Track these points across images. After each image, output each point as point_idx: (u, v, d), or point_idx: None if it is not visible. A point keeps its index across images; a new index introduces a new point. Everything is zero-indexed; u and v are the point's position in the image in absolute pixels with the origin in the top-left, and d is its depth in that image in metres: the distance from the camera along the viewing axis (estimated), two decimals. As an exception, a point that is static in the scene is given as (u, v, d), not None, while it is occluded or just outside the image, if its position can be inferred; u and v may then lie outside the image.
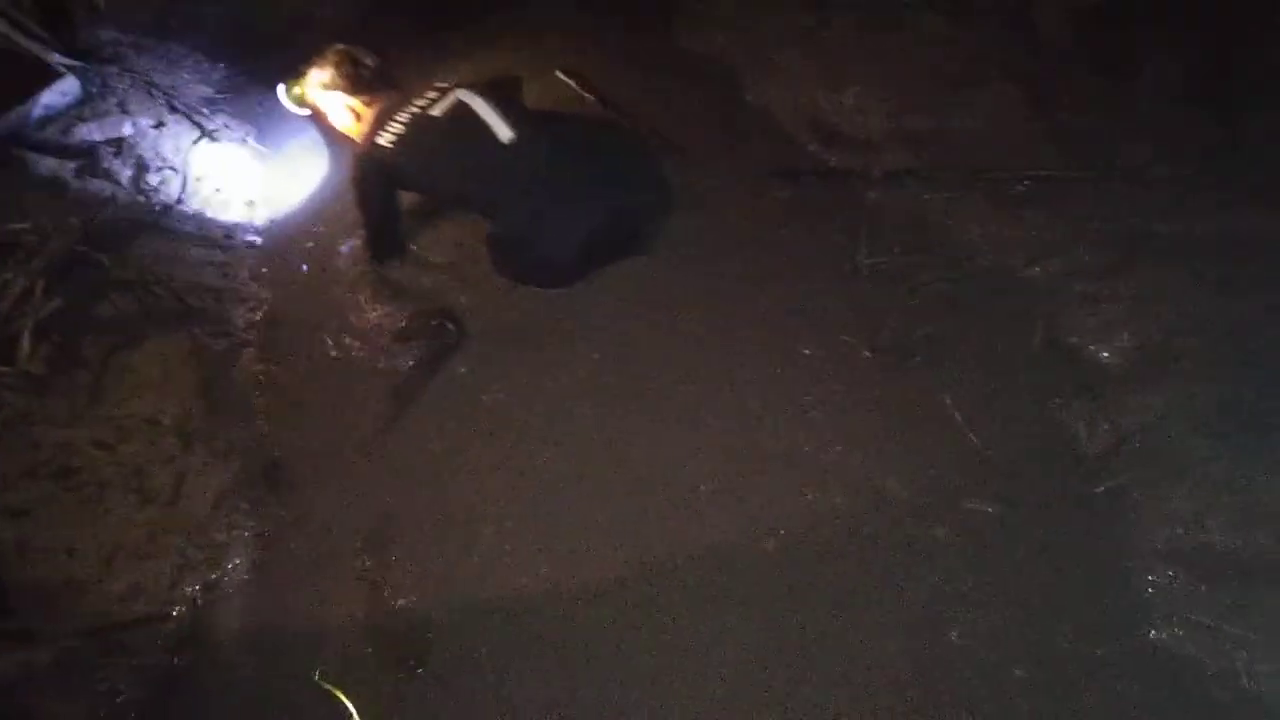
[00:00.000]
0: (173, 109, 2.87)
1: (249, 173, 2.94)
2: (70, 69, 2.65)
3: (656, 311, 2.41)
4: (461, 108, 2.43)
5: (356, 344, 2.50)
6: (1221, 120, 2.37)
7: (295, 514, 2.19)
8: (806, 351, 2.27)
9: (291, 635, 1.99)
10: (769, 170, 2.69)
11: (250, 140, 3.05)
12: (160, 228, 2.56)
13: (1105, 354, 2.10)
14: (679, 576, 1.92)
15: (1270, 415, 1.85)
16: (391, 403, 2.35)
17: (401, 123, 2.41)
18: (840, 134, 2.72)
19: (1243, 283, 2.07)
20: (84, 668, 1.92)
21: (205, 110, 2.98)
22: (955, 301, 2.30)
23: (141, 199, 2.58)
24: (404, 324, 2.48)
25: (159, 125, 2.81)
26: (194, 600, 2.06)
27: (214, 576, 2.09)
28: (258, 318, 2.56)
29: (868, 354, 2.23)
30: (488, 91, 2.51)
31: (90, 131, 2.64)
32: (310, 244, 2.77)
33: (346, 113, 2.64)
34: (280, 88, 2.72)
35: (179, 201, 2.67)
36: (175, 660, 1.97)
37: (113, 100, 2.74)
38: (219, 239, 2.67)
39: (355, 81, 2.60)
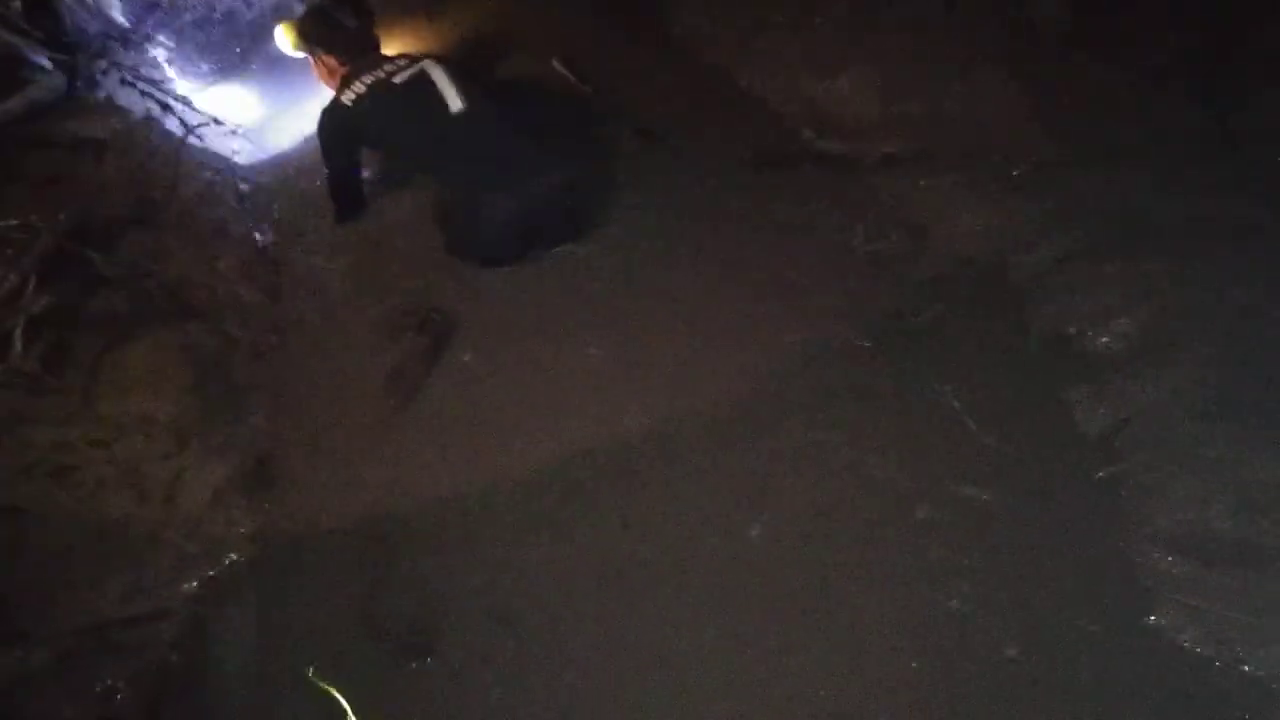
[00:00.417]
0: (161, 102, 2.84)
1: (239, 164, 2.92)
2: (56, 63, 2.61)
3: (649, 295, 2.42)
4: (422, 76, 2.50)
5: (352, 337, 2.50)
6: (1217, 105, 2.36)
7: (293, 509, 2.18)
8: (802, 337, 2.27)
9: (291, 631, 1.99)
10: (763, 156, 2.68)
11: (240, 131, 3.02)
12: (150, 223, 2.53)
13: (1104, 339, 2.09)
14: (675, 564, 1.93)
15: (1269, 400, 1.85)
16: (387, 396, 2.35)
17: (366, 84, 2.48)
18: (834, 119, 2.71)
19: (1240, 268, 2.06)
20: (81, 667, 1.92)
21: (194, 102, 2.95)
22: (952, 287, 2.30)
23: (131, 194, 2.55)
24: (395, 319, 2.48)
25: (147, 119, 2.78)
26: (192, 598, 2.05)
27: (212, 573, 2.09)
28: (250, 313, 2.54)
29: (866, 343, 2.23)
30: (450, 62, 2.57)
31: (77, 126, 2.61)
32: (304, 238, 2.75)
33: (322, 67, 2.71)
34: (278, 29, 2.77)
35: (169, 195, 2.65)
36: (174, 658, 1.97)
37: (100, 94, 2.71)
38: (209, 234, 2.64)
39: (330, 39, 2.66)
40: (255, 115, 3.06)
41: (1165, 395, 1.94)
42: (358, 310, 2.55)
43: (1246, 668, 1.63)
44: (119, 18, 2.92)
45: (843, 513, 1.95)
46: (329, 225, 2.77)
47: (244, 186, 2.84)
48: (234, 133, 2.98)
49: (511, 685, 1.81)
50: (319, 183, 2.84)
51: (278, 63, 3.16)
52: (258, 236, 2.73)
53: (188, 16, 3.11)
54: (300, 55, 2.78)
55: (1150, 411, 1.94)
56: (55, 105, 2.61)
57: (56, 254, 2.27)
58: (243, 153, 2.95)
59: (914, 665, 1.72)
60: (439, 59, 2.58)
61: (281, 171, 2.93)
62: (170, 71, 2.99)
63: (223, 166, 2.86)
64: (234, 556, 2.11)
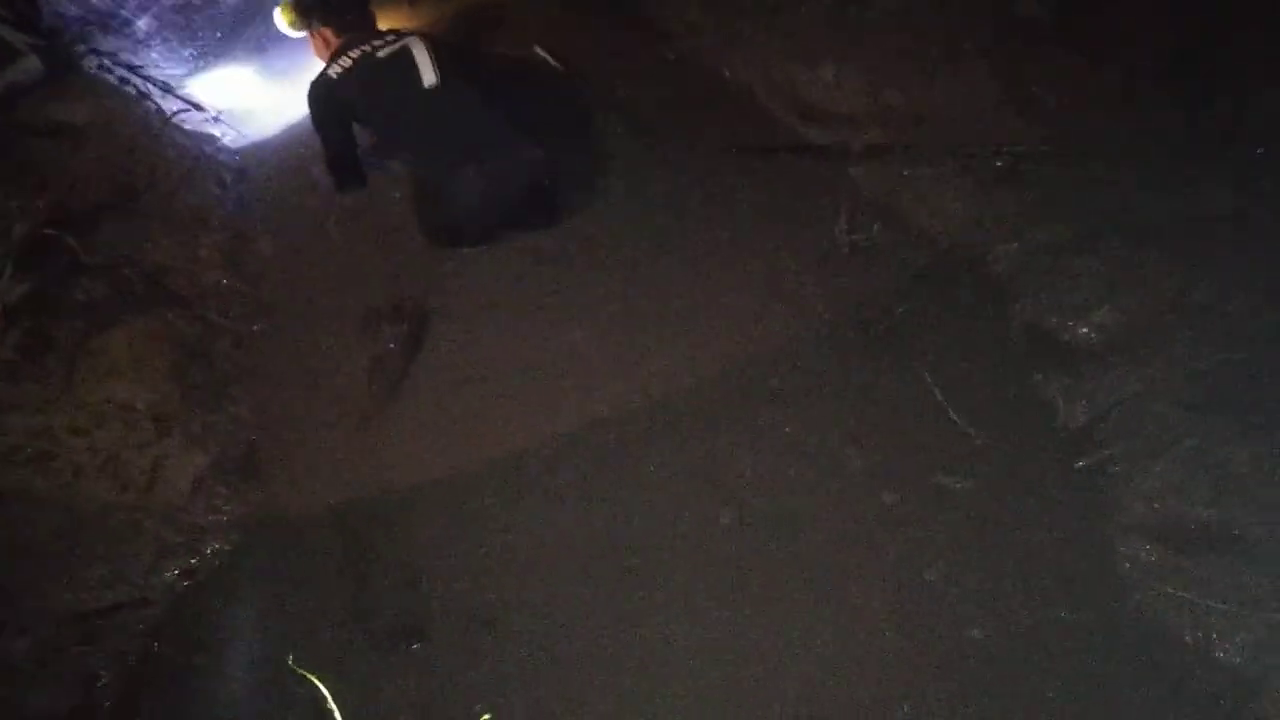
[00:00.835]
0: (141, 88, 2.81)
1: (221, 150, 2.89)
2: (34, 47, 2.57)
3: (629, 282, 2.43)
4: (403, 52, 2.53)
5: (334, 325, 2.49)
6: (1198, 99, 2.36)
7: (275, 498, 2.18)
8: (782, 325, 2.28)
9: (273, 620, 1.99)
10: (746, 145, 2.68)
11: (221, 117, 2.99)
12: (129, 209, 2.51)
13: (1083, 330, 2.11)
14: (654, 548, 1.96)
15: (1244, 390, 1.87)
16: (369, 385, 2.34)
17: (352, 58, 2.52)
18: (818, 110, 2.70)
19: (1218, 261, 2.07)
20: (62, 655, 1.92)
21: (174, 88, 2.92)
22: (934, 278, 2.31)
23: (110, 180, 2.52)
24: (374, 307, 2.49)
25: (127, 104, 2.74)
26: (173, 586, 2.05)
27: (193, 562, 2.08)
28: (232, 300, 2.52)
29: (848, 333, 2.24)
30: (434, 39, 2.60)
31: (56, 111, 2.57)
32: (284, 224, 2.73)
33: (319, 40, 2.74)
34: (276, 10, 2.78)
35: (149, 182, 2.62)
36: (154, 646, 1.97)
37: (78, 80, 2.67)
38: (189, 220, 2.62)
39: (325, 11, 2.70)
40: (237, 101, 3.02)
41: (1144, 386, 1.96)
42: (339, 298, 2.54)
43: (1222, 654, 1.66)
44: (98, 2, 2.88)
45: (816, 500, 1.97)
46: (310, 211, 2.75)
47: (225, 173, 2.81)
48: (215, 119, 2.95)
49: (495, 670, 1.83)
50: (304, 166, 2.83)
51: (260, 48, 3.13)
52: (239, 223, 2.71)
53: (168, 1, 3.07)
54: (297, 34, 2.79)
55: (1129, 402, 1.95)
56: (33, 90, 2.58)
57: (34, 241, 2.26)
58: (224, 139, 2.92)
59: (880, 643, 1.76)
60: (425, 36, 2.61)
61: (263, 157, 2.90)
62: (151, 57, 2.95)
63: (204, 153, 2.82)
64: (216, 545, 2.11)
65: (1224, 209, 2.16)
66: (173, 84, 2.93)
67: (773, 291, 2.35)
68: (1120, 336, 2.06)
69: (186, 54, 3.07)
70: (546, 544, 2.00)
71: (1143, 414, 1.92)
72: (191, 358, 2.33)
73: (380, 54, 2.52)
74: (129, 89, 2.79)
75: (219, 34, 3.13)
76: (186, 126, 2.86)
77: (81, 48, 2.76)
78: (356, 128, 2.64)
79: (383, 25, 2.80)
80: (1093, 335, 2.09)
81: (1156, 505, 1.82)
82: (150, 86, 2.85)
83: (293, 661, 1.83)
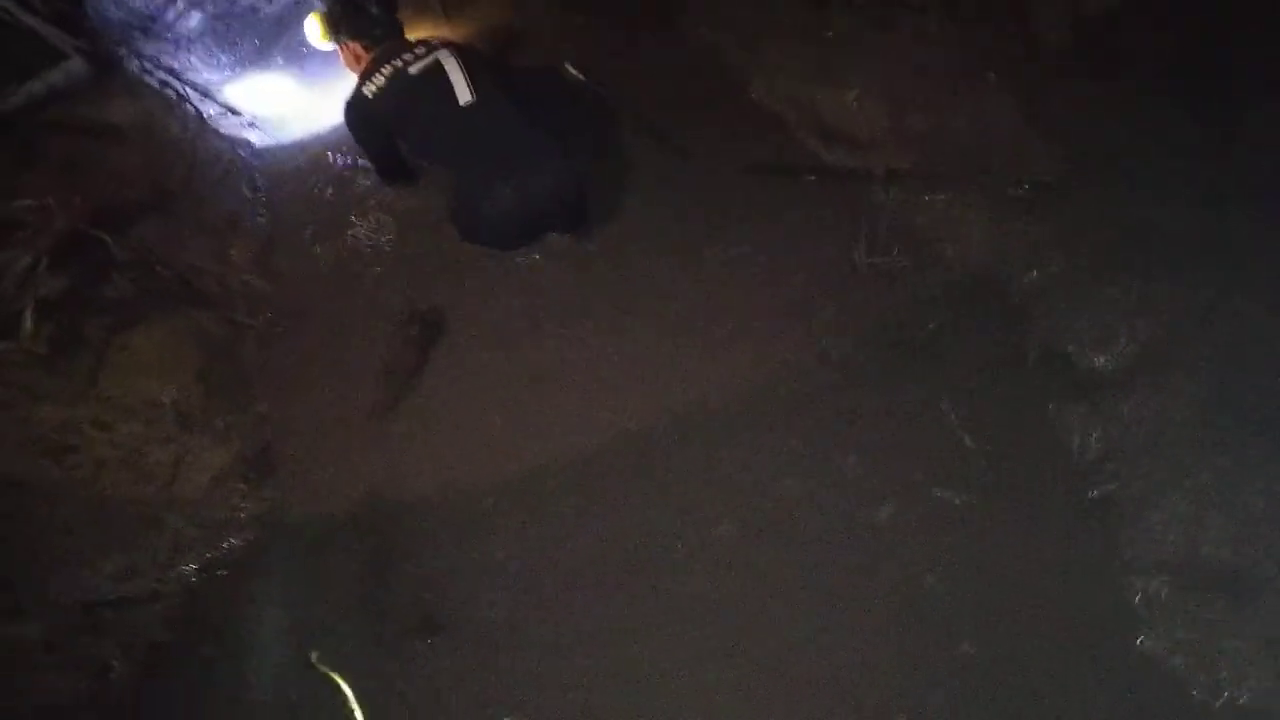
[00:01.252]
0: (179, 92, 2.87)
1: (254, 155, 2.94)
2: (77, 49, 2.64)
3: (646, 295, 2.45)
4: (435, 66, 2.54)
5: (354, 329, 2.52)
6: (1218, 124, 2.37)
7: (293, 496, 2.20)
8: (799, 347, 2.29)
9: (289, 616, 2.01)
10: (767, 166, 2.69)
11: (256, 123, 3.05)
12: (164, 210, 2.56)
13: (1101, 359, 2.10)
14: (671, 555, 1.99)
15: (1259, 427, 1.86)
16: (382, 389, 2.37)
17: (384, 75, 2.54)
18: (840, 133, 2.71)
19: (1235, 288, 2.07)
20: (76, 643, 1.94)
21: (212, 93, 2.98)
22: (953, 304, 2.30)
23: (146, 181, 2.58)
24: (389, 313, 2.53)
25: (165, 107, 2.81)
26: (189, 580, 2.07)
27: (210, 556, 2.10)
28: (259, 302, 2.57)
29: (866, 355, 2.25)
30: (467, 52, 2.61)
31: (96, 112, 2.64)
32: (314, 230, 2.77)
33: (349, 54, 2.76)
34: (308, 19, 2.80)
35: (184, 184, 2.67)
36: (168, 638, 1.99)
37: (119, 82, 2.74)
38: (222, 224, 2.67)
39: (355, 26, 2.71)
40: (272, 108, 3.07)
41: (1160, 418, 1.95)
42: (361, 302, 2.58)
43: (1229, 693, 1.64)
44: (141, 6, 2.95)
45: (823, 519, 1.99)
46: (337, 217, 2.80)
47: (258, 177, 2.86)
48: (251, 124, 3.00)
49: (511, 670, 1.85)
50: (333, 173, 2.87)
51: (297, 57, 3.18)
52: (269, 227, 2.75)
53: (210, 8, 3.13)
54: (328, 46, 2.81)
55: (1145, 433, 1.95)
56: (75, 91, 2.65)
57: (71, 237, 2.30)
58: (258, 144, 2.97)
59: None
60: (455, 48, 2.61)
61: (295, 164, 2.95)
62: (190, 61, 3.01)
63: (238, 157, 2.88)
64: (232, 541, 2.13)
65: (1245, 235, 2.15)
66: (211, 89, 2.98)
67: (789, 311, 2.36)
68: (1136, 367, 2.05)
69: (225, 60, 3.12)
70: (559, 547, 2.02)
71: (1157, 447, 1.91)
72: (217, 357, 2.37)
73: (412, 69, 2.53)
74: (168, 92, 2.85)
75: (257, 41, 3.18)
76: (222, 131, 2.92)
77: (123, 50, 2.82)
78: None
79: (411, 36, 2.81)
80: (1110, 364, 2.08)
81: (1168, 540, 1.81)
82: (189, 90, 2.90)
83: (316, 659, 1.86)
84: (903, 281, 2.37)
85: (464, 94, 2.49)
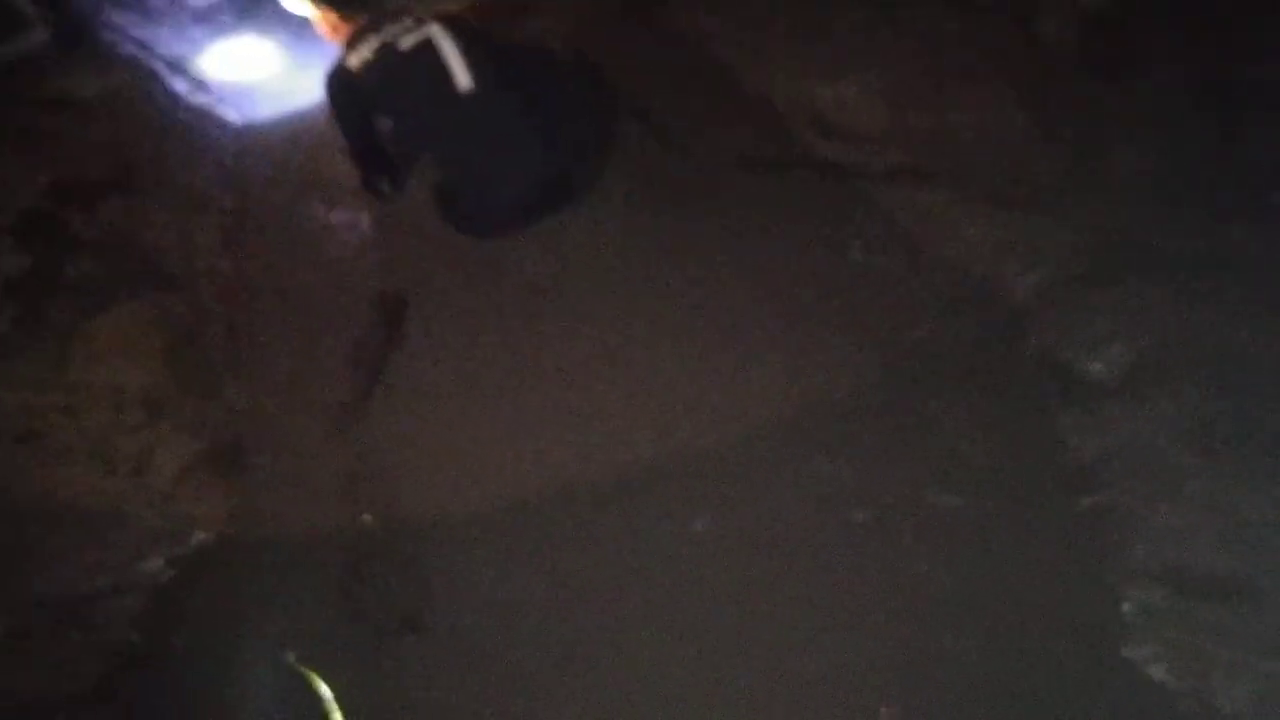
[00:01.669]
0: (149, 65, 2.79)
1: (224, 132, 2.87)
2: (42, 18, 2.55)
3: (635, 295, 2.41)
4: (427, 46, 2.42)
5: (324, 315, 2.48)
6: (1219, 133, 2.35)
7: (264, 488, 2.16)
8: (794, 347, 2.26)
9: (263, 613, 1.97)
10: (766, 160, 2.66)
11: (228, 99, 2.97)
12: (131, 188, 2.48)
13: (1096, 365, 2.08)
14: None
15: (1257, 435, 1.85)
16: (357, 374, 2.34)
17: (371, 49, 2.42)
18: (840, 128, 2.68)
19: (1235, 298, 2.06)
20: (41, 640, 1.90)
21: (183, 67, 2.90)
22: (948, 305, 2.28)
23: (113, 157, 2.50)
24: (357, 300, 2.50)
25: (134, 81, 2.72)
26: (158, 575, 2.02)
27: (179, 551, 2.06)
28: (228, 286, 2.51)
29: (859, 355, 2.22)
30: (461, 30, 2.49)
31: (61, 85, 2.55)
32: (287, 212, 2.71)
33: (326, 23, 2.63)
34: None
35: (152, 161, 2.60)
36: (136, 636, 1.94)
37: (86, 54, 2.65)
38: (188, 201, 2.60)
39: None
40: (244, 84, 3.00)
41: (1156, 426, 1.94)
42: (333, 287, 2.53)
43: (1220, 703, 1.63)
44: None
45: (811, 522, 1.96)
46: (309, 198, 2.73)
47: (227, 156, 2.79)
48: (222, 100, 2.93)
49: (492, 664, 1.83)
50: (307, 153, 2.82)
51: (270, 31, 3.11)
52: (237, 207, 2.68)
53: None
54: (304, 12, 2.70)
55: (1140, 441, 1.93)
56: (40, 62, 2.56)
57: (33, 215, 2.23)
58: (229, 120, 2.90)
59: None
60: (447, 23, 2.49)
61: (268, 142, 2.89)
62: (161, 34, 2.93)
63: (208, 134, 2.81)
64: (202, 535, 2.09)
65: (1244, 247, 2.14)
66: (182, 62, 2.91)
67: (782, 309, 2.33)
68: (1133, 374, 2.04)
69: (196, 33, 3.05)
70: (540, 543, 2.00)
71: (1153, 454, 1.90)
72: (184, 343, 2.31)
73: (402, 45, 2.42)
74: (137, 66, 2.76)
75: (230, 14, 3.12)
76: (192, 106, 2.84)
77: (91, 21, 2.73)
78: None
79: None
80: (1106, 371, 2.07)
81: (1163, 548, 1.79)
82: (158, 64, 2.83)
83: (293, 660, 1.83)
84: (898, 281, 2.35)
85: (463, 80, 2.38)
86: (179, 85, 2.82)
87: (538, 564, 1.97)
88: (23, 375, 2.09)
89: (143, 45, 2.82)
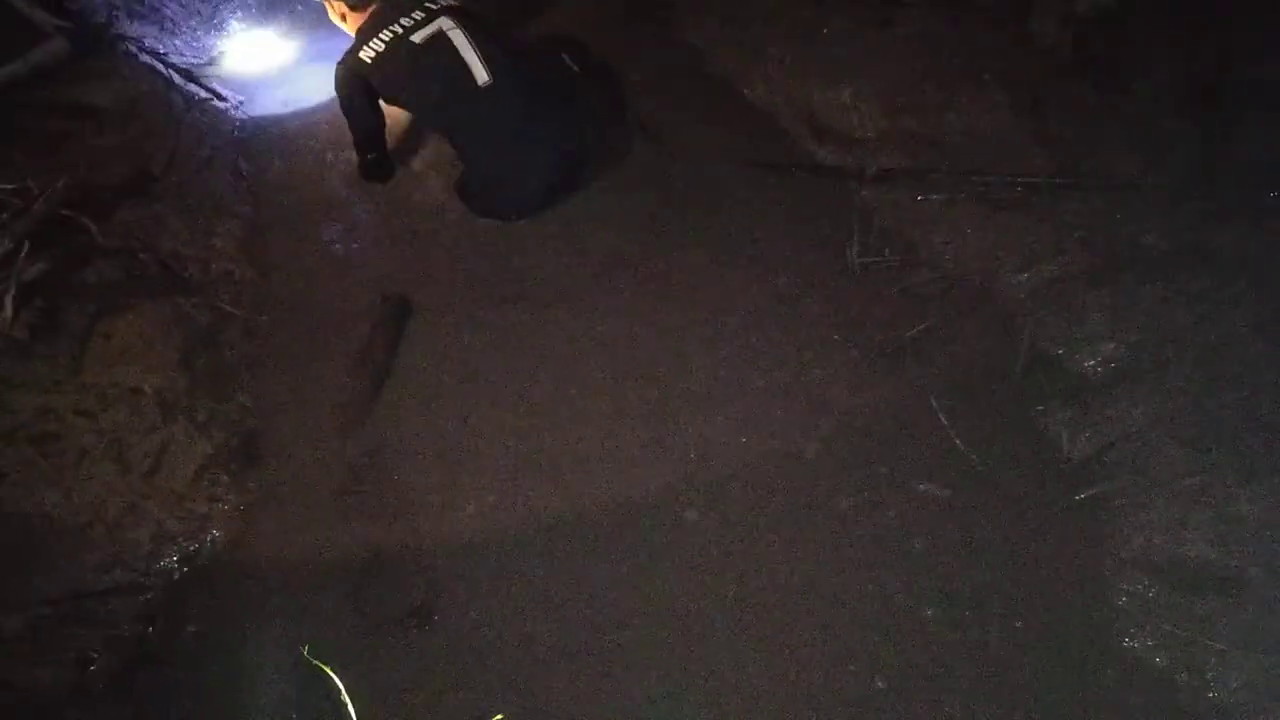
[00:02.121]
0: (164, 74, 2.83)
1: (239, 139, 2.91)
2: (60, 29, 2.60)
3: (637, 295, 2.45)
4: (441, 39, 2.50)
5: (335, 316, 2.51)
6: (1212, 134, 2.37)
7: (278, 487, 2.19)
8: (792, 346, 2.29)
9: (276, 609, 1.99)
10: (761, 163, 2.69)
11: (241, 106, 3.01)
12: (148, 194, 2.53)
13: (1090, 362, 2.11)
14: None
15: (1248, 430, 1.86)
16: (356, 378, 2.36)
17: (383, 41, 2.50)
18: (834, 131, 2.72)
19: (1226, 297, 2.07)
20: (57, 635, 1.91)
21: (197, 75, 2.94)
22: (944, 304, 2.31)
23: (129, 164, 2.54)
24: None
25: (149, 89, 2.77)
26: (172, 572, 2.05)
27: (193, 548, 2.08)
28: (242, 289, 2.54)
29: (856, 354, 2.25)
30: (471, 23, 2.57)
31: (79, 93, 2.60)
32: (301, 215, 2.74)
33: (336, 13, 2.72)
34: None
35: (167, 167, 2.63)
36: (150, 632, 1.97)
37: (103, 63, 2.69)
38: (205, 207, 2.63)
39: None
40: (258, 91, 3.05)
41: (1149, 421, 1.95)
42: (345, 290, 2.57)
43: (1213, 694, 1.65)
44: (127, -14, 2.91)
45: (808, 519, 1.98)
46: (323, 203, 2.77)
47: (243, 162, 2.83)
48: (236, 108, 2.97)
49: (503, 664, 1.84)
50: (320, 158, 2.84)
51: (283, 40, 3.16)
52: (254, 212, 2.72)
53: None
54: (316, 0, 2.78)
55: (1133, 436, 1.95)
56: (57, 71, 2.60)
57: (52, 221, 2.27)
58: (243, 128, 2.94)
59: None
60: (458, 14, 2.56)
61: (282, 148, 2.92)
62: (175, 44, 2.98)
63: (223, 141, 2.85)
64: (216, 533, 2.11)
65: (1235, 246, 2.15)
66: (196, 71, 2.95)
67: (779, 309, 2.36)
68: (1126, 370, 2.05)
69: (211, 42, 3.10)
70: (541, 533, 2.03)
71: (1146, 449, 1.92)
72: (200, 345, 2.34)
73: (415, 37, 2.49)
74: (152, 74, 2.81)
75: (244, 24, 3.16)
76: (207, 114, 2.88)
77: (107, 31, 2.78)
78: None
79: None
80: (1099, 367, 2.09)
81: (1156, 541, 1.81)
82: (174, 73, 2.87)
83: (307, 652, 1.84)
84: (894, 281, 2.38)
85: (480, 74, 2.48)
86: (195, 94, 2.87)
87: (541, 558, 1.99)
88: (40, 377, 2.12)
89: (158, 55, 2.87)
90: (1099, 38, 2.57)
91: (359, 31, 2.57)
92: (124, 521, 2.05)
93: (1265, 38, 2.41)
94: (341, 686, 1.80)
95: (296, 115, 3.02)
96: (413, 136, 2.92)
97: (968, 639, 1.77)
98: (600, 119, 2.85)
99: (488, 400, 2.27)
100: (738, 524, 1.98)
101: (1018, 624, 1.77)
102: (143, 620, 1.98)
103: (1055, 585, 1.82)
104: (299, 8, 3.04)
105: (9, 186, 2.27)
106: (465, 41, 2.49)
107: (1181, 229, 2.25)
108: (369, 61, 2.50)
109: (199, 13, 3.09)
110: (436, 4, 2.59)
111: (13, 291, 2.11)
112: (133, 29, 2.86)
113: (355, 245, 2.65)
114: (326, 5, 2.74)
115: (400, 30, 2.49)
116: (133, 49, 2.81)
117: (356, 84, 2.56)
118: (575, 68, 2.98)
